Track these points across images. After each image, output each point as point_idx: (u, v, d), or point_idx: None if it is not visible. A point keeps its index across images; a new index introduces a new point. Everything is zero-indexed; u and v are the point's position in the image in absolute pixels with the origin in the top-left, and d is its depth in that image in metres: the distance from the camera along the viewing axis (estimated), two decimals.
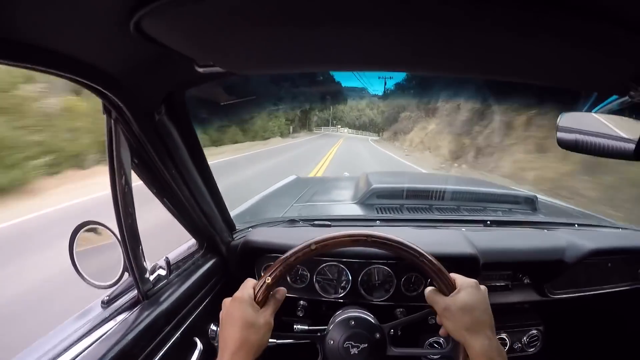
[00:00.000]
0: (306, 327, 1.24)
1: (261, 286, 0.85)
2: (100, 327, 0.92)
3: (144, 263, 1.02)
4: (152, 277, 1.07)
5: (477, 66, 0.76)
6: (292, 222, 1.68)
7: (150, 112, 0.87)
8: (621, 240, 1.67)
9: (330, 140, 33.82)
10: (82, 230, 0.99)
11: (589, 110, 1.09)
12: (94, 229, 1.01)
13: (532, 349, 1.53)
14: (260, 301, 0.85)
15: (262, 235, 1.47)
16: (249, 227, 1.60)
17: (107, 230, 1.01)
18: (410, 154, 23.83)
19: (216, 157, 13.17)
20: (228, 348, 0.78)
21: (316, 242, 0.90)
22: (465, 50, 0.64)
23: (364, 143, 35.17)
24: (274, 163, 13.83)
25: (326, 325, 1.08)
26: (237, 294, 0.85)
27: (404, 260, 0.94)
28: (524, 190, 3.44)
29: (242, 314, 0.80)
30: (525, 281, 1.53)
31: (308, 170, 11.38)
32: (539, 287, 1.54)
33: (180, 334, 1.08)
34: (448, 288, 0.88)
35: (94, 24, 0.55)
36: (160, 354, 0.98)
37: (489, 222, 1.79)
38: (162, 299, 1.07)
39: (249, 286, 0.87)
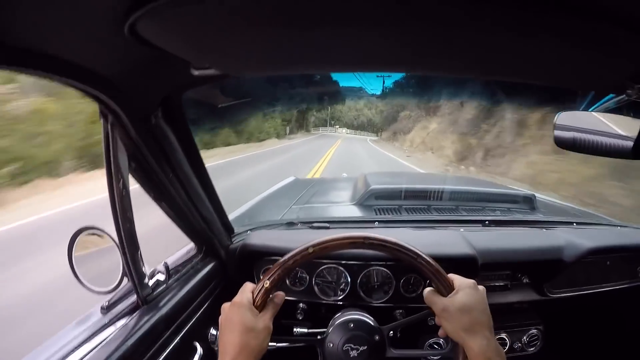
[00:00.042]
0: (306, 330, 1.24)
1: (260, 290, 0.85)
2: (100, 332, 0.92)
3: (143, 268, 1.02)
4: (151, 282, 1.07)
5: (476, 66, 0.77)
6: (291, 224, 1.68)
7: (146, 116, 0.87)
8: (620, 238, 1.67)
9: (328, 141, 33.01)
10: (81, 235, 0.99)
11: (586, 109, 1.09)
12: (92, 234, 1.01)
13: (532, 349, 1.53)
14: (259, 305, 0.85)
15: (260, 239, 1.47)
16: (247, 230, 1.60)
17: (106, 235, 1.01)
18: (412, 155, 22.83)
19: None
20: (228, 353, 0.78)
21: (314, 245, 0.90)
22: (464, 51, 0.64)
23: (363, 144, 34.32)
24: (265, 167, 12.90)
25: (326, 328, 1.08)
26: (236, 298, 0.85)
27: (402, 262, 0.94)
28: (522, 190, 3.43)
29: (241, 318, 0.80)
30: (524, 281, 1.53)
31: (303, 176, 11.16)
32: (538, 287, 1.54)
33: (180, 338, 1.07)
34: (446, 289, 0.88)
35: (88, 28, 0.55)
36: (161, 359, 0.98)
37: (487, 222, 1.79)
38: (161, 303, 1.07)
39: (247, 290, 0.87)
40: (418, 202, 2.27)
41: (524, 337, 1.51)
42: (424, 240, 1.45)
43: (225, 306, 0.86)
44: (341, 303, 1.38)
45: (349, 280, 1.38)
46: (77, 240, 0.98)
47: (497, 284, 1.50)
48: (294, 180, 3.51)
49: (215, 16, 0.51)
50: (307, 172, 11.18)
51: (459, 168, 16.36)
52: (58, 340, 0.88)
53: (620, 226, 1.93)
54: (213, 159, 13.45)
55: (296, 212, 2.27)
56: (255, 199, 2.70)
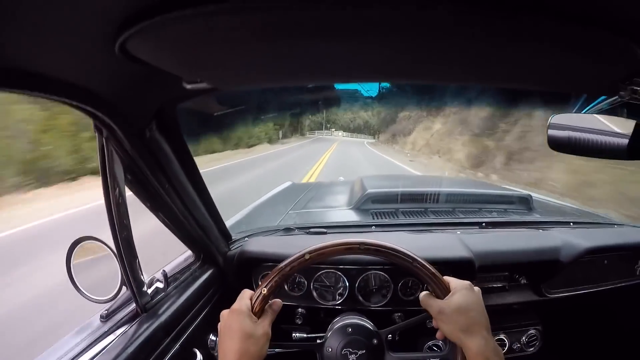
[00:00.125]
0: (305, 335, 1.25)
1: (258, 297, 0.86)
2: (100, 341, 0.92)
3: (142, 276, 1.03)
4: (150, 290, 1.07)
5: (470, 73, 0.77)
6: (288, 230, 1.69)
7: (141, 129, 0.88)
8: (617, 237, 1.68)
9: (323, 145, 31.53)
10: (79, 245, 0.99)
11: (579, 110, 1.10)
12: (90, 244, 1.02)
13: (531, 349, 1.53)
14: (258, 312, 0.85)
15: (258, 245, 1.48)
16: (245, 237, 1.60)
17: (104, 245, 1.01)
18: (415, 159, 20.76)
19: None
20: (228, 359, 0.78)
21: (310, 252, 0.91)
22: (457, 59, 0.65)
23: (360, 147, 32.90)
24: (243, 180, 10.85)
25: (324, 333, 1.08)
26: (235, 305, 0.86)
27: (398, 266, 0.95)
28: (518, 190, 3.44)
29: (240, 325, 0.81)
30: (522, 282, 1.54)
31: None
32: (536, 287, 1.54)
33: (179, 345, 1.08)
34: (442, 291, 0.89)
35: (79, 47, 0.56)
36: None
37: (484, 223, 1.80)
38: (160, 311, 1.07)
39: (245, 297, 0.87)
40: (415, 205, 2.27)
41: (523, 338, 1.52)
42: (421, 244, 1.46)
43: (224, 313, 0.86)
44: (340, 307, 1.39)
45: (347, 284, 1.38)
46: (75, 250, 0.99)
47: (495, 285, 1.51)
48: (290, 185, 3.52)
49: (205, 34, 0.52)
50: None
51: (476, 175, 13.94)
52: (58, 349, 0.88)
53: (617, 225, 1.94)
54: None
55: (293, 217, 2.28)
56: (252, 204, 2.70)
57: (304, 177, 10.90)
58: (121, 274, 0.99)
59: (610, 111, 1.01)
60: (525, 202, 2.42)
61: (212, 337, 1.21)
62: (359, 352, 1.00)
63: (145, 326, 0.99)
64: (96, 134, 0.84)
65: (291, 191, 3.28)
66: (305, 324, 1.43)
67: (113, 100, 0.75)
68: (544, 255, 1.52)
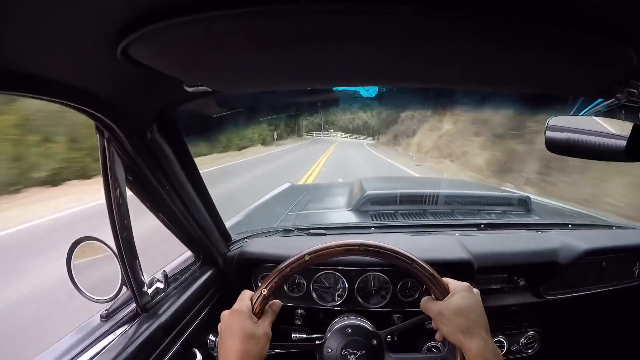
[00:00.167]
0: (304, 336, 1.25)
1: (258, 298, 0.86)
2: (100, 340, 0.93)
3: (142, 276, 1.03)
4: (150, 290, 1.08)
5: (468, 77, 0.78)
6: (288, 231, 1.69)
7: (142, 131, 0.89)
8: (615, 239, 1.68)
9: (321, 147, 29.75)
10: (80, 245, 1.00)
11: (576, 113, 1.11)
12: (91, 244, 1.02)
13: (530, 351, 1.53)
14: (258, 312, 0.85)
15: (257, 246, 1.48)
16: (244, 238, 1.60)
17: (104, 245, 1.01)
18: (422, 163, 18.54)
19: None
20: None
21: (310, 253, 0.91)
22: (457, 63, 0.66)
23: (360, 149, 31.12)
24: (221, 191, 8.26)
25: (324, 333, 1.09)
26: (235, 306, 0.86)
27: (397, 267, 0.95)
28: (517, 192, 3.45)
29: (241, 326, 0.81)
30: (521, 283, 1.54)
31: None
32: (535, 289, 1.55)
33: (179, 345, 1.08)
34: (442, 293, 0.89)
35: (81, 52, 0.57)
36: None
37: (482, 225, 1.80)
38: (160, 311, 1.07)
39: (246, 298, 0.87)
40: (414, 207, 2.28)
41: (522, 340, 1.52)
42: (420, 246, 1.46)
43: (225, 313, 0.86)
44: (339, 308, 1.39)
45: (347, 285, 1.38)
46: (75, 250, 0.99)
47: (493, 287, 1.51)
48: (289, 186, 3.52)
49: (206, 39, 0.52)
50: None
51: (504, 185, 10.36)
52: (58, 348, 0.89)
53: (615, 227, 1.94)
54: None
55: (292, 218, 2.28)
56: (252, 205, 2.71)
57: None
58: (121, 273, 0.99)
59: (608, 113, 1.02)
60: (524, 204, 2.42)
61: (211, 337, 1.21)
62: (359, 353, 1.00)
63: (145, 326, 0.99)
64: (97, 136, 0.84)
65: (290, 192, 3.29)
66: (304, 325, 1.43)
67: (114, 102, 0.76)
68: (542, 257, 1.52)
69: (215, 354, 1.21)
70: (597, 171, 8.57)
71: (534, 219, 2.20)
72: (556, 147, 1.06)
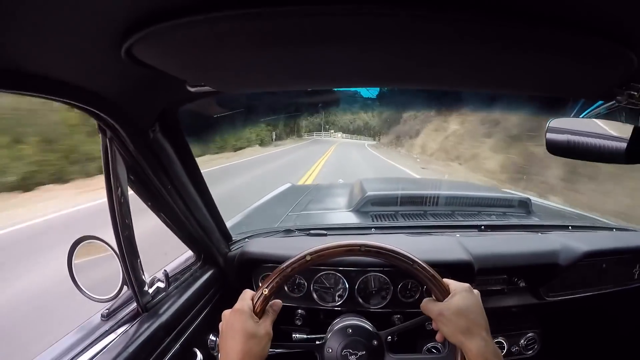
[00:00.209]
0: (305, 336, 1.25)
1: (259, 297, 0.86)
2: (101, 340, 0.93)
3: (143, 276, 1.03)
4: (151, 290, 1.08)
5: (468, 79, 0.78)
6: (288, 231, 1.69)
7: (144, 131, 0.89)
8: (615, 241, 1.68)
9: (320, 147, 28.67)
10: (81, 244, 1.00)
11: (577, 115, 1.11)
12: (92, 243, 1.02)
13: (529, 352, 1.53)
14: (259, 312, 0.85)
15: (258, 246, 1.48)
16: (245, 238, 1.60)
17: (105, 244, 1.02)
18: (427, 166, 17.49)
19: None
20: (231, 359, 0.79)
21: (311, 253, 0.91)
22: (457, 65, 0.66)
23: (361, 150, 29.80)
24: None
25: (324, 334, 1.09)
26: (237, 305, 0.86)
27: (398, 268, 0.95)
28: (517, 193, 3.45)
29: (243, 325, 0.81)
30: (521, 285, 1.54)
31: None
32: (535, 291, 1.55)
33: (180, 345, 1.08)
34: (442, 293, 0.89)
35: (85, 52, 0.57)
36: None
37: (483, 226, 1.80)
38: (161, 311, 1.07)
39: (247, 297, 0.87)
40: (414, 208, 2.28)
41: (522, 341, 1.52)
42: (420, 247, 1.46)
43: (226, 313, 0.86)
44: (339, 309, 1.39)
45: (347, 286, 1.39)
46: (76, 249, 0.99)
47: (493, 288, 1.51)
48: (290, 186, 3.52)
49: (209, 39, 0.52)
50: None
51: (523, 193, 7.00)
52: (59, 348, 0.89)
53: (616, 229, 1.94)
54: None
55: (293, 219, 2.28)
56: (252, 205, 2.71)
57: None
58: (122, 273, 1.00)
59: (608, 115, 1.02)
60: (524, 206, 2.43)
61: (212, 337, 1.21)
62: (359, 353, 1.00)
63: (145, 325, 0.99)
64: (100, 135, 0.85)
65: (291, 193, 3.29)
66: (304, 325, 1.43)
67: (117, 102, 0.76)
68: (542, 258, 1.52)
69: (215, 354, 1.21)
70: (633, 178, 7.58)
71: (534, 220, 2.20)
72: (557, 149, 1.06)
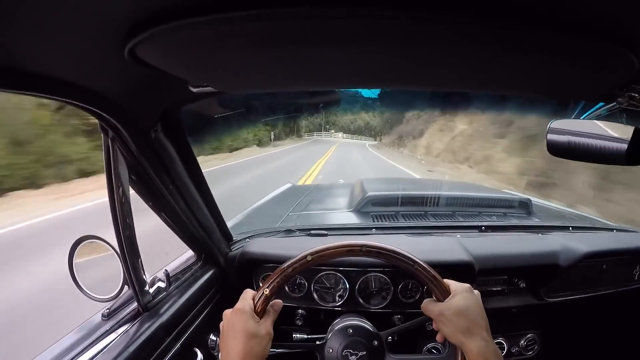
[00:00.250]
0: (305, 336, 1.25)
1: (260, 297, 0.86)
2: (102, 339, 0.93)
3: (144, 275, 1.03)
4: (151, 290, 1.08)
5: (470, 80, 0.78)
6: (289, 232, 1.69)
7: (146, 131, 0.89)
8: (615, 242, 1.68)
9: (321, 147, 27.75)
10: (82, 244, 1.00)
11: (578, 117, 1.11)
12: (93, 243, 1.02)
13: (529, 353, 1.53)
14: (260, 312, 0.85)
15: (259, 246, 1.49)
16: (246, 238, 1.61)
17: (106, 244, 1.02)
18: (434, 168, 16.28)
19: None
20: (232, 359, 0.78)
21: (312, 254, 0.91)
22: (457, 66, 0.66)
23: (362, 150, 28.25)
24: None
25: (325, 334, 1.09)
26: (238, 305, 0.86)
27: (399, 268, 0.95)
28: (517, 194, 3.45)
29: (244, 325, 0.81)
30: (521, 285, 1.54)
31: None
32: (535, 291, 1.55)
33: (180, 345, 1.08)
34: (443, 294, 0.90)
35: (88, 52, 0.57)
36: None
37: (483, 227, 1.80)
38: (162, 310, 1.08)
39: (248, 297, 0.87)
40: (415, 209, 2.28)
41: (522, 342, 1.52)
42: (421, 247, 1.46)
43: (227, 312, 0.86)
44: (340, 309, 1.39)
45: (347, 286, 1.39)
46: (77, 249, 1.00)
47: (494, 289, 1.51)
48: (290, 187, 3.52)
49: (211, 40, 0.53)
50: None
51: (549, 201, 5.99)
52: (59, 347, 0.89)
53: (616, 230, 1.94)
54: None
55: (294, 219, 2.29)
56: (253, 205, 2.71)
57: None
58: (123, 272, 1.00)
59: (609, 117, 1.02)
60: (525, 207, 2.42)
61: (212, 337, 1.22)
62: (360, 354, 1.00)
63: (146, 325, 0.99)
64: (102, 135, 0.85)
65: (291, 193, 3.29)
66: (305, 325, 1.44)
67: (120, 102, 0.76)
68: (543, 259, 1.52)
69: (216, 354, 1.21)
70: None
71: (534, 221, 2.20)
72: (557, 150, 1.06)
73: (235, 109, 1.33)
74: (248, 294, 0.89)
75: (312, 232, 1.66)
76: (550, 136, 1.07)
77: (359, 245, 0.92)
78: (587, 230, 1.92)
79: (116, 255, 0.99)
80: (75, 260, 0.99)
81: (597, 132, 0.99)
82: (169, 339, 1.04)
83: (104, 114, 0.76)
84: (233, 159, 17.10)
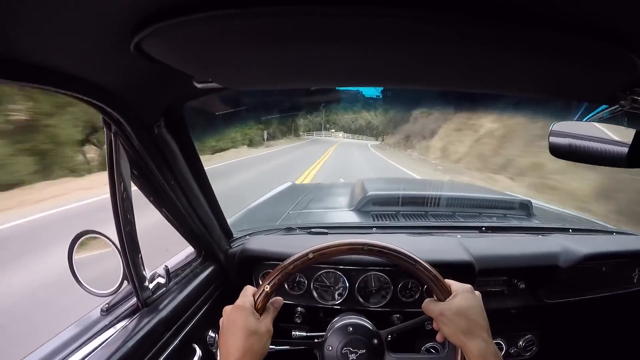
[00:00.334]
0: (304, 334, 1.25)
1: (260, 294, 0.86)
2: (100, 334, 0.93)
3: (144, 271, 1.03)
4: (151, 285, 1.08)
5: (472, 80, 0.78)
6: (289, 229, 1.70)
7: (149, 126, 0.89)
8: (615, 245, 1.68)
9: (320, 147, 26.33)
10: (82, 239, 1.00)
11: (580, 119, 1.11)
12: (93, 238, 1.02)
13: (528, 354, 1.54)
14: (260, 309, 0.85)
15: (259, 244, 1.49)
16: (246, 235, 1.61)
17: (106, 239, 1.02)
18: (457, 177, 13.03)
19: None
20: (232, 355, 0.78)
21: (314, 251, 0.91)
22: (460, 66, 0.66)
23: (364, 151, 26.04)
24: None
25: (324, 332, 1.09)
26: (238, 301, 0.86)
27: (400, 267, 0.95)
28: (518, 196, 3.45)
29: (244, 322, 0.81)
30: (521, 286, 1.54)
31: None
32: (534, 292, 1.55)
33: (179, 341, 1.08)
34: (444, 294, 0.89)
35: (94, 45, 0.57)
36: None
37: (484, 228, 1.80)
38: (161, 306, 1.08)
39: (249, 294, 0.87)
40: (415, 208, 2.28)
41: (520, 342, 1.53)
42: (421, 247, 1.46)
43: (227, 309, 0.86)
44: (339, 307, 1.40)
45: (347, 284, 1.39)
46: (77, 243, 0.99)
47: (493, 289, 1.51)
48: (291, 185, 3.52)
49: (218, 35, 0.53)
50: None
51: None
52: (57, 342, 0.88)
53: (616, 232, 1.94)
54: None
55: (294, 217, 2.29)
56: (253, 203, 2.71)
57: None
58: (123, 268, 1.00)
59: (611, 119, 1.02)
60: (525, 208, 2.42)
61: (211, 333, 1.22)
62: (359, 352, 1.00)
63: (145, 321, 0.99)
64: (104, 129, 0.85)
65: (291, 191, 3.29)
66: (304, 323, 1.44)
67: (124, 96, 0.76)
68: (542, 260, 1.52)
69: (214, 350, 1.21)
70: None
71: (534, 222, 2.20)
72: (559, 152, 1.07)
73: (234, 106, 1.33)
74: (248, 291, 0.88)
75: (313, 230, 1.66)
76: (552, 138, 1.07)
77: (360, 244, 0.92)
78: (587, 232, 1.92)
79: (116, 250, 0.99)
80: (75, 256, 0.99)
81: (599, 134, 0.99)
82: (167, 335, 1.04)
83: (108, 108, 0.76)
84: (214, 162, 14.38)
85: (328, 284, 1.41)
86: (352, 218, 2.26)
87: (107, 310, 1.01)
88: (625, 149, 0.94)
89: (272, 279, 0.87)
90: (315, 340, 1.07)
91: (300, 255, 0.90)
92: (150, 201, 1.08)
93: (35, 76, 0.57)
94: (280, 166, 14.43)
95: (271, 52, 0.61)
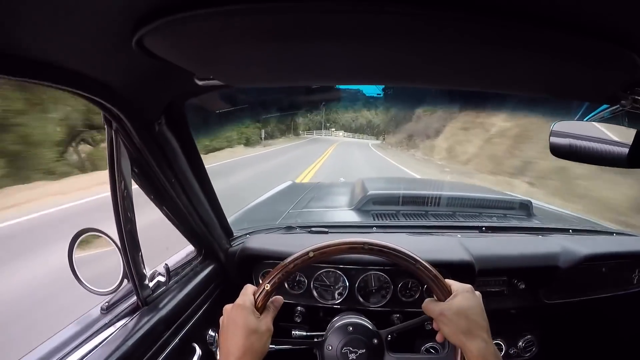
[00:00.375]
0: (304, 333, 1.25)
1: (261, 293, 0.86)
2: (100, 333, 0.93)
3: (144, 270, 1.03)
4: (151, 284, 1.08)
5: (473, 79, 0.78)
6: (290, 228, 1.69)
7: (150, 123, 0.89)
8: (615, 246, 1.68)
9: (319, 147, 25.66)
10: (82, 237, 1.00)
11: (581, 118, 1.11)
12: (93, 236, 1.02)
13: (527, 354, 1.54)
14: (260, 308, 0.85)
15: (259, 242, 1.49)
16: (246, 234, 1.61)
17: (107, 237, 1.02)
18: (468, 180, 11.54)
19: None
20: (232, 354, 0.78)
21: (314, 250, 0.91)
22: (460, 64, 0.66)
23: (365, 151, 25.47)
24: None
25: (323, 331, 1.09)
26: (239, 300, 0.85)
27: (400, 267, 0.95)
28: (518, 196, 3.45)
29: (244, 320, 0.81)
30: (521, 287, 1.54)
31: None
32: (534, 293, 1.55)
33: (179, 339, 1.08)
34: (444, 294, 0.89)
35: (96, 41, 0.57)
36: (160, 359, 0.99)
37: (484, 228, 1.80)
38: (161, 305, 1.08)
39: (249, 292, 0.87)
40: (415, 208, 2.28)
41: (520, 343, 1.53)
42: (421, 246, 1.46)
43: (228, 308, 0.86)
44: (339, 307, 1.40)
45: (347, 284, 1.39)
46: (77, 241, 0.99)
47: (493, 289, 1.51)
48: (291, 184, 3.52)
49: (221, 32, 0.53)
50: None
51: None
52: (57, 340, 0.88)
53: (616, 233, 1.94)
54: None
55: (294, 216, 2.28)
56: (253, 202, 2.71)
57: None
58: (123, 266, 1.00)
59: (612, 119, 1.02)
60: (525, 208, 2.42)
61: (211, 332, 1.22)
62: (359, 352, 1.00)
63: (145, 319, 0.99)
64: (105, 126, 0.85)
65: (292, 190, 3.29)
66: (304, 322, 1.44)
67: (125, 93, 0.76)
68: (542, 261, 1.52)
69: (214, 349, 1.21)
70: None
71: (534, 223, 2.20)
72: (559, 152, 1.07)
73: (236, 104, 1.33)
74: (249, 290, 0.88)
75: (313, 229, 1.66)
76: (552, 138, 1.07)
77: (361, 243, 0.92)
78: (587, 233, 1.92)
79: (116, 248, 0.99)
80: (74, 254, 0.99)
81: (599, 134, 0.99)
82: (167, 334, 1.04)
83: (109, 105, 0.75)
84: (207, 162, 12.77)
85: (328, 283, 1.41)
86: (352, 217, 2.26)
87: (107, 309, 1.01)
88: (626, 149, 0.94)
89: (273, 278, 0.87)
90: (315, 340, 1.07)
91: (301, 254, 0.90)
92: (151, 199, 1.08)
93: (36, 72, 0.56)
94: (277, 167, 14.15)
95: (272, 50, 0.61)
